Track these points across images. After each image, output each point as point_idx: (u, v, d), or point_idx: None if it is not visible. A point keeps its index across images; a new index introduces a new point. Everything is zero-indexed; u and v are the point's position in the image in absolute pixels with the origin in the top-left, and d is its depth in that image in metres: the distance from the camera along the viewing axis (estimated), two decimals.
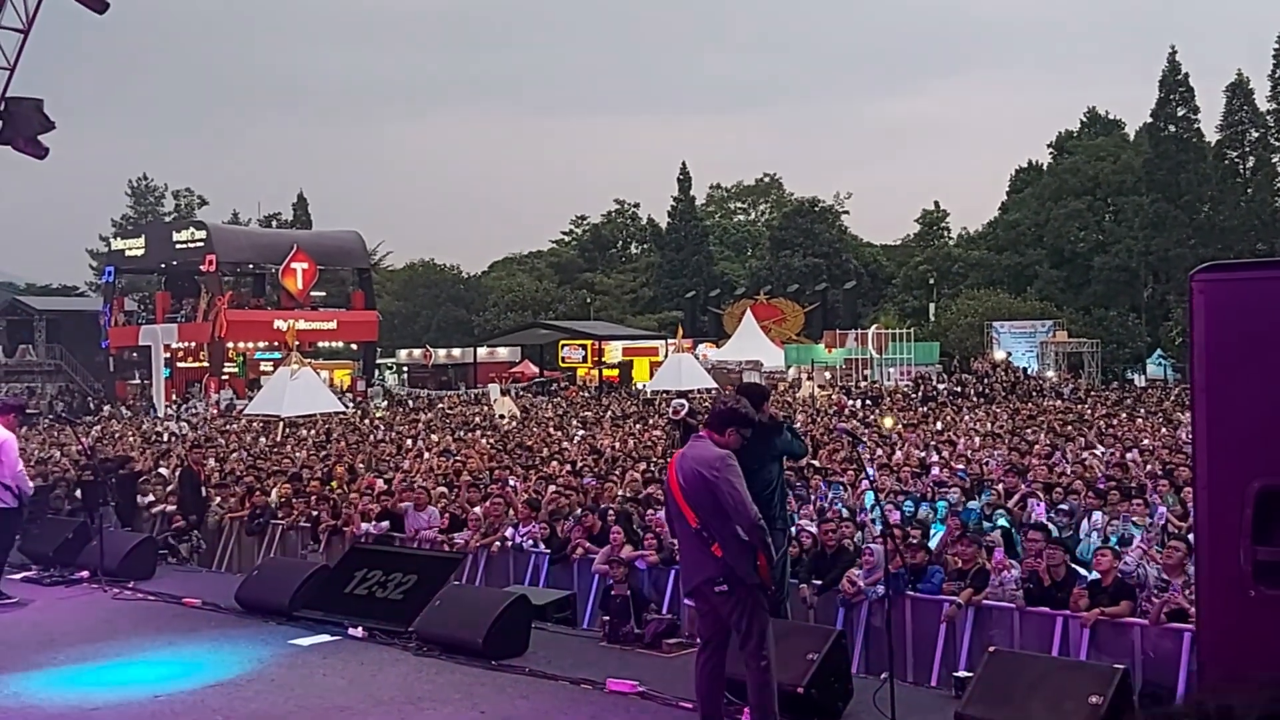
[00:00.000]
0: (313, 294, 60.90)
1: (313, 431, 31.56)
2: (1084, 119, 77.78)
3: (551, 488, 16.68)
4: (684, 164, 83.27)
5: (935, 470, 17.86)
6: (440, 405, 45.39)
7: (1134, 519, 12.70)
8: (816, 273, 73.74)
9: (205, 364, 56.87)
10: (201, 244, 57.28)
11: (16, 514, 12.19)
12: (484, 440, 27.28)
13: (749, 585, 6.71)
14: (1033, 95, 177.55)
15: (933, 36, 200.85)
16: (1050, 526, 12.00)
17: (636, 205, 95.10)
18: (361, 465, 21.25)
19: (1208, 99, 64.65)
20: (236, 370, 56.45)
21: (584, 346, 66.15)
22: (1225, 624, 4.23)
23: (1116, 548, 11.01)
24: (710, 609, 6.91)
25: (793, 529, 12.40)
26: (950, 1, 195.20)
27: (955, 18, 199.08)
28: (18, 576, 12.68)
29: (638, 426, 30.44)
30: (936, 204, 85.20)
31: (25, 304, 70.71)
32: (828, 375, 52.32)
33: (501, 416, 36.45)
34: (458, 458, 22.35)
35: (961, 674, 8.57)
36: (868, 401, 42.31)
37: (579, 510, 14.45)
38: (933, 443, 23.42)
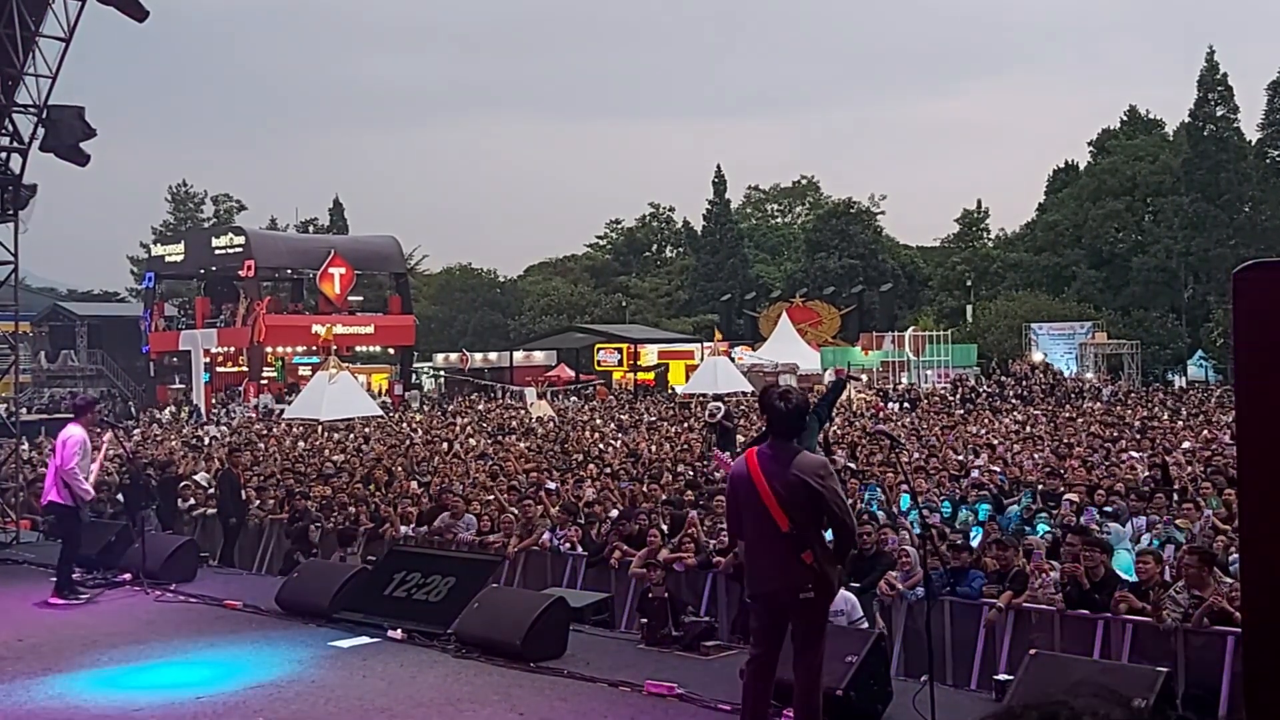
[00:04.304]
0: (350, 299, 61.25)
1: (351, 435, 31.72)
2: (1124, 118, 77.06)
3: (589, 491, 16.72)
4: (719, 167, 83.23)
5: (975, 473, 17.77)
6: (477, 408, 45.54)
7: (1178, 522, 12.59)
8: (853, 275, 73.46)
9: (244, 369, 57.33)
10: (240, 249, 57.72)
11: (74, 513, 12.30)
12: (521, 444, 27.34)
13: (830, 593, 6.71)
14: (1072, 95, 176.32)
15: (970, 37, 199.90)
16: (1092, 529, 11.89)
17: (671, 209, 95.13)
18: (400, 469, 21.34)
19: (1249, 98, 64.07)
20: (275, 375, 56.88)
21: (619, 350, 66.12)
22: (1272, 625, 4.19)
23: (1159, 552, 10.92)
24: (775, 616, 6.81)
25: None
26: (988, 2, 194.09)
27: (993, 18, 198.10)
28: None
29: (674, 430, 30.43)
30: (978, 203, 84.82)
31: (67, 310, 71.40)
32: (864, 378, 52.10)
33: (538, 419, 36.52)
34: (495, 461, 22.43)
35: (1002, 677, 8.52)
36: (905, 404, 42.12)
37: (615, 513, 14.47)
38: (971, 445, 23.31)
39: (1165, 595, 9.39)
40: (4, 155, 16.79)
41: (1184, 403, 38.80)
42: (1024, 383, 48.39)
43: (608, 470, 19.85)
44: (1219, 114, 63.10)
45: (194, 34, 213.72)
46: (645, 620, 10.33)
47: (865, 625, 10.03)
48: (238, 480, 18.06)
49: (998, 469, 18.51)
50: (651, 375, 62.25)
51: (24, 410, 35.41)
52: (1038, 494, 14.98)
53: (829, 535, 6.85)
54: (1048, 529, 12.86)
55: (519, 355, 69.35)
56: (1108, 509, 13.73)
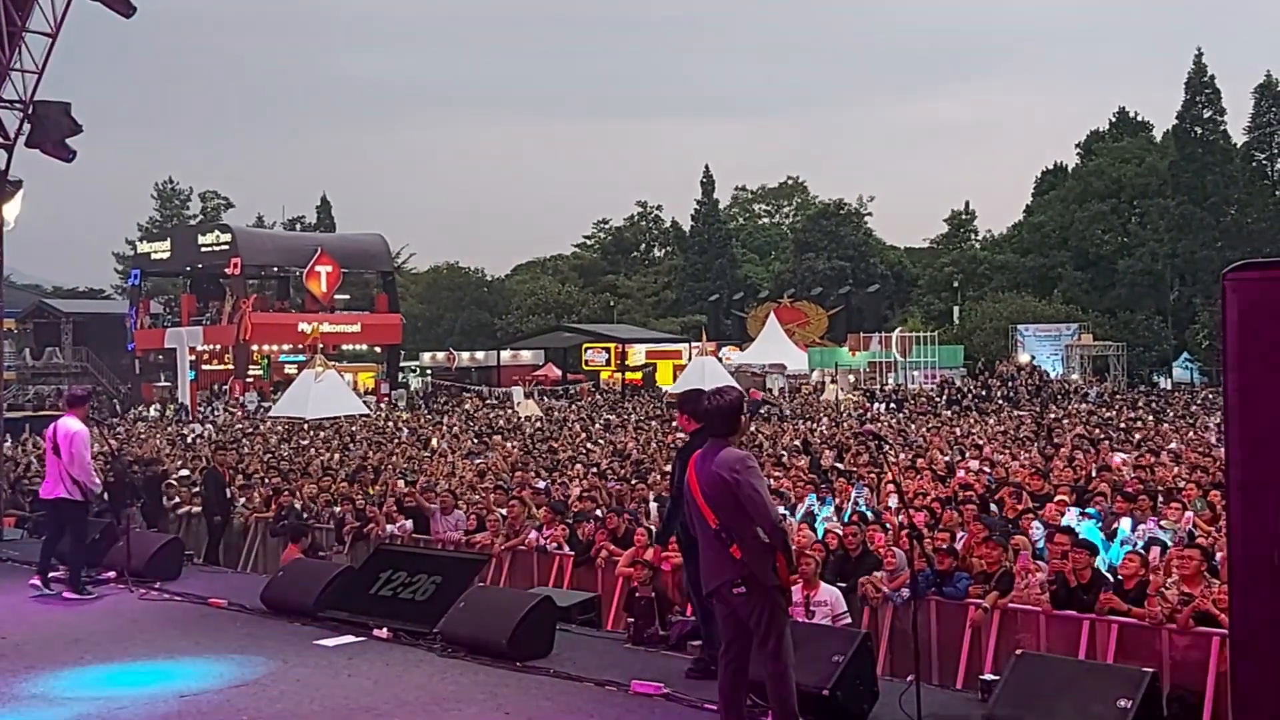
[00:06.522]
0: (336, 297, 61.17)
1: (337, 434, 31.66)
2: (1113, 119, 77.23)
3: (576, 490, 16.72)
4: (707, 166, 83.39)
5: (962, 473, 17.80)
6: (465, 407, 45.51)
7: (1163, 523, 12.62)
8: (841, 275, 73.57)
9: (230, 366, 57.21)
10: (226, 247, 57.63)
11: (84, 508, 12.28)
12: (508, 444, 27.32)
13: (768, 587, 6.69)
14: (1060, 97, 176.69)
15: (959, 39, 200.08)
16: (1078, 529, 11.90)
17: (659, 208, 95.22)
18: (389, 468, 21.31)
19: (1237, 101, 64.35)
20: (261, 373, 56.77)
21: (607, 349, 66.18)
22: (1259, 626, 4.20)
23: (1143, 554, 10.93)
24: (730, 611, 6.87)
25: (819, 530, 12.39)
26: (977, 3, 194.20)
27: (982, 20, 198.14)
28: None
29: (661, 429, 30.42)
30: (966, 204, 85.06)
31: (52, 307, 71.15)
32: (851, 379, 52.18)
33: (527, 418, 36.52)
34: (481, 460, 22.41)
35: (988, 677, 8.52)
36: (891, 405, 42.19)
37: (601, 512, 14.45)
38: (958, 445, 23.35)
39: (1157, 591, 9.43)
40: None
41: (1170, 404, 38.95)
42: (1010, 384, 48.52)
43: (594, 470, 19.85)
44: (1206, 116, 63.38)
45: (181, 30, 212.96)
46: (632, 619, 10.31)
47: (849, 620, 10.04)
48: (223, 478, 18.00)
49: (987, 470, 18.55)
50: (639, 375, 62.28)
51: (8, 408, 35.25)
52: (1027, 496, 14.98)
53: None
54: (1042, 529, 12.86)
55: (506, 354, 69.35)
56: (1090, 510, 13.75)
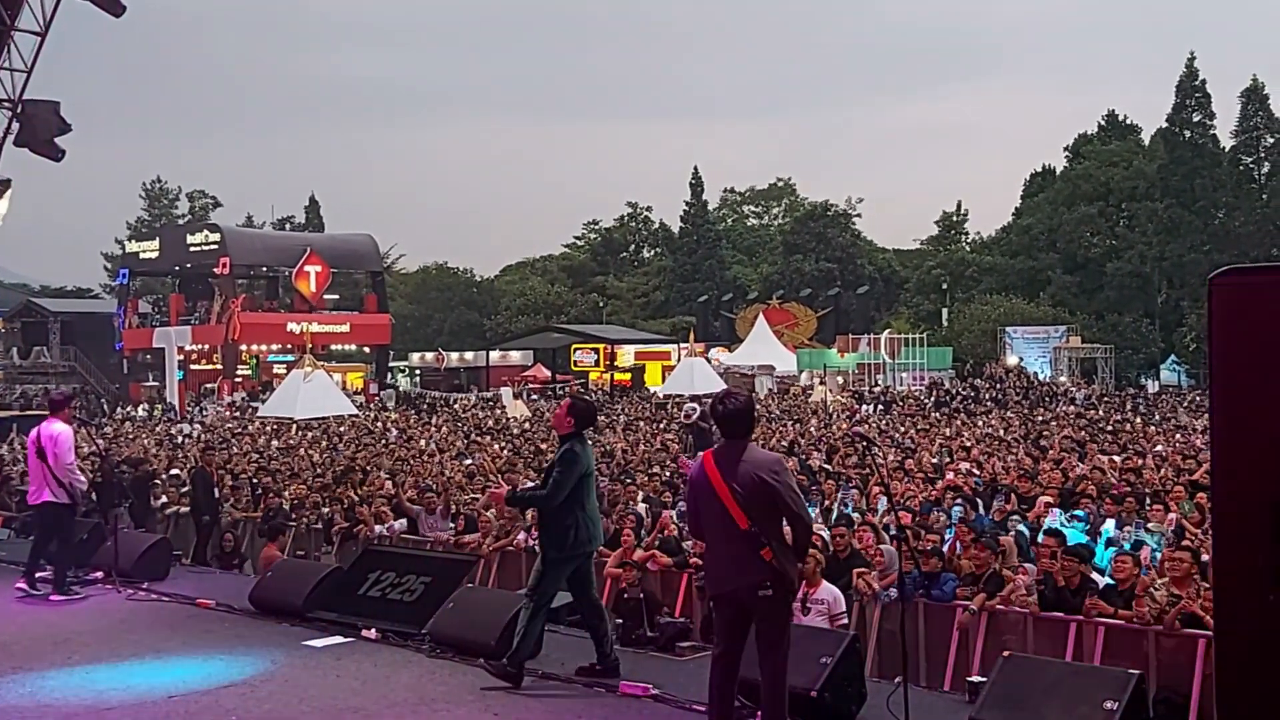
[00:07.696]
0: (326, 297, 61.10)
1: (325, 434, 31.61)
2: (1102, 122, 77.43)
3: None
4: (696, 168, 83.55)
5: (950, 475, 17.84)
6: (453, 407, 45.48)
7: (1149, 525, 12.66)
8: (829, 277, 73.68)
9: (218, 366, 57.12)
10: (215, 247, 57.54)
11: (70, 510, 12.26)
12: (496, 444, 27.30)
13: (790, 589, 6.74)
14: (1050, 100, 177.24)
15: (950, 41, 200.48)
16: (1065, 532, 11.92)
17: (649, 209, 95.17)
18: (382, 469, 21.28)
19: (1224, 105, 64.59)
20: (250, 373, 56.68)
21: (596, 350, 66.18)
22: (1243, 629, 4.22)
23: (1136, 555, 10.98)
24: (735, 613, 6.84)
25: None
26: (967, 6, 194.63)
27: (973, 23, 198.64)
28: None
29: (649, 430, 30.44)
30: (958, 205, 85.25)
31: (40, 306, 70.97)
32: (840, 380, 52.26)
33: (514, 419, 36.50)
34: (470, 461, 22.40)
35: (975, 678, 8.55)
36: (880, 407, 42.27)
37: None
38: (945, 448, 23.39)
39: (1145, 592, 9.46)
40: None
41: (1157, 407, 39.07)
42: (999, 386, 48.63)
43: None
44: (1195, 120, 63.59)
45: (171, 30, 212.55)
46: (620, 620, 10.33)
47: (846, 621, 10.06)
48: (211, 478, 17.96)
49: (975, 471, 18.59)
50: (628, 376, 62.29)
51: None
52: (1013, 498, 15.03)
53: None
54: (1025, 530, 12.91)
55: (495, 355, 69.28)
56: (1078, 512, 13.80)
